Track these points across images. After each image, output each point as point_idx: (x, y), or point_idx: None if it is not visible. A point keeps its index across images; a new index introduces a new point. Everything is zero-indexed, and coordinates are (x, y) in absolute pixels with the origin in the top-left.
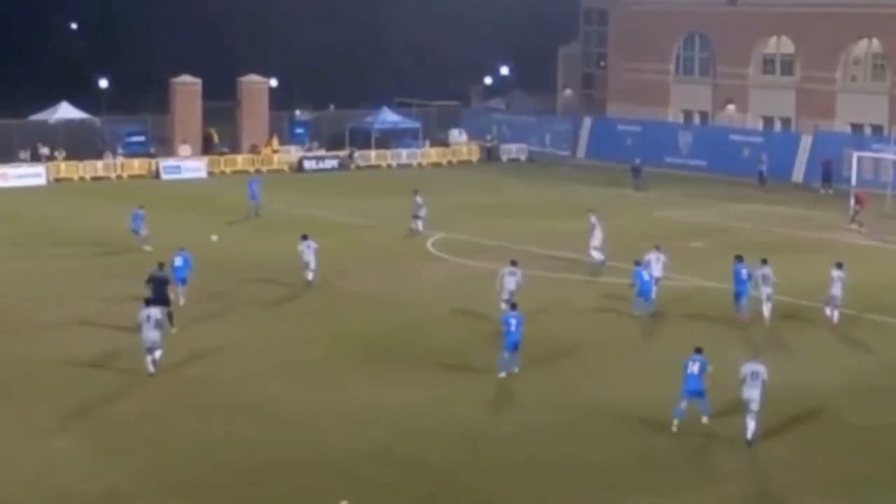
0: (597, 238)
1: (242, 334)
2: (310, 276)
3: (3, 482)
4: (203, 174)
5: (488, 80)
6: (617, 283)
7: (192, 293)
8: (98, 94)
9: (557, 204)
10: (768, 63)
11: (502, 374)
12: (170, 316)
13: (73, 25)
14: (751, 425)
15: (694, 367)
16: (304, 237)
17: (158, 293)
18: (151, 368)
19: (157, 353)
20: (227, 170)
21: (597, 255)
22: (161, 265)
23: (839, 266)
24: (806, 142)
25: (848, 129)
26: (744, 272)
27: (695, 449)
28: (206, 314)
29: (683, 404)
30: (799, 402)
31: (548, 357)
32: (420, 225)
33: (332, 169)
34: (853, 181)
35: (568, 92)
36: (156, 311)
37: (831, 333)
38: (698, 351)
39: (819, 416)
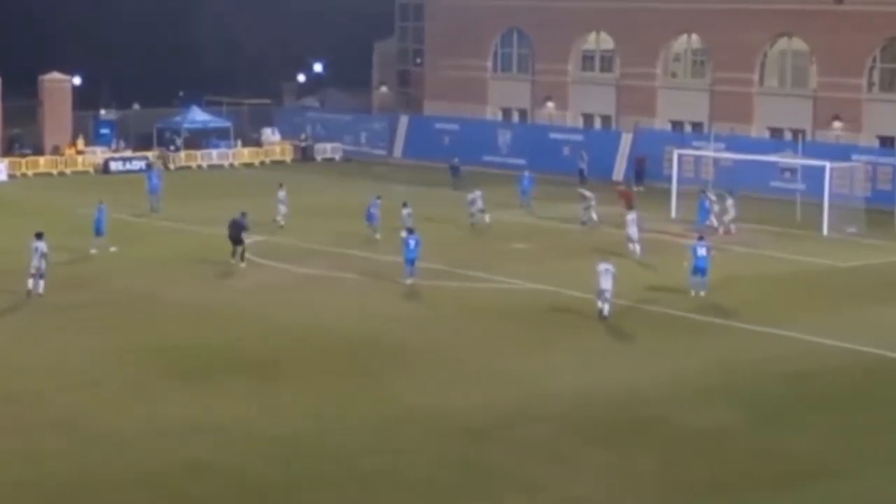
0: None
1: (47, 347)
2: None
3: None
4: (3, 177)
5: (301, 78)
6: (446, 287)
7: None
8: None
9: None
10: (588, 59)
11: (409, 281)
12: (242, 253)
13: None
14: (605, 306)
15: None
16: (405, 205)
17: (234, 234)
18: (30, 287)
19: (41, 283)
20: (30, 172)
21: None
22: (244, 214)
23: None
24: (626, 139)
25: (668, 127)
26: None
27: (516, 457)
28: (8, 326)
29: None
30: (626, 405)
31: (372, 365)
32: (487, 217)
33: (140, 171)
34: (674, 180)
35: (384, 89)
36: (41, 245)
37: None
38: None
39: (647, 420)
